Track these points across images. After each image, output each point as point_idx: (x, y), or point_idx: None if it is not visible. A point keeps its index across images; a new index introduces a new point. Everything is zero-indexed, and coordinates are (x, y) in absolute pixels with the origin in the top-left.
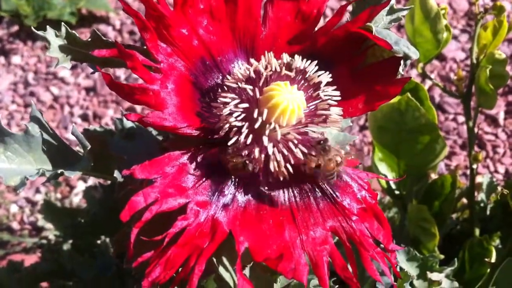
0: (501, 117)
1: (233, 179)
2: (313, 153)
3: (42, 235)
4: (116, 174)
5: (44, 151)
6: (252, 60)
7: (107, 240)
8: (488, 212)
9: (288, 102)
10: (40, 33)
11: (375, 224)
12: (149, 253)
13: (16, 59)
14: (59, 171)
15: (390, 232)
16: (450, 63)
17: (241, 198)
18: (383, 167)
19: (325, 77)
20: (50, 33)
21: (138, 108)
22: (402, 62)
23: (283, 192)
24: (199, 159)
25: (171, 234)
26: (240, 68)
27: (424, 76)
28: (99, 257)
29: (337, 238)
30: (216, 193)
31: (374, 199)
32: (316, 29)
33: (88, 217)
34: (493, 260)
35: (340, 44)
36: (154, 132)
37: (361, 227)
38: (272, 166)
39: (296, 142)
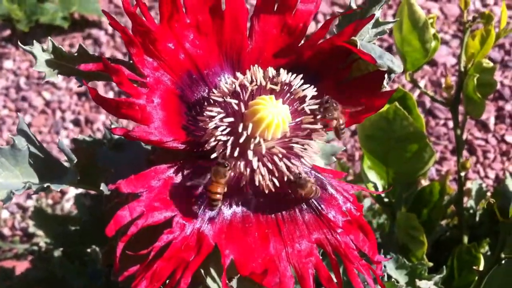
0: (491, 122)
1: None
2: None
3: (33, 241)
4: (103, 187)
5: (31, 164)
6: (238, 74)
7: (97, 249)
8: (477, 219)
9: (273, 116)
10: (26, 48)
11: (361, 236)
12: (135, 267)
13: (8, 64)
14: (45, 185)
15: (376, 243)
16: (441, 68)
17: (227, 211)
18: (372, 175)
19: (310, 91)
20: (36, 47)
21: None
22: (386, 75)
23: (269, 205)
24: (185, 172)
25: (156, 248)
26: (226, 82)
27: (414, 84)
28: (89, 265)
29: (322, 250)
30: (202, 206)
31: (359, 211)
32: (302, 42)
33: (78, 225)
34: (481, 267)
35: (326, 57)
36: (142, 143)
37: (346, 239)
38: (257, 179)
39: (280, 156)
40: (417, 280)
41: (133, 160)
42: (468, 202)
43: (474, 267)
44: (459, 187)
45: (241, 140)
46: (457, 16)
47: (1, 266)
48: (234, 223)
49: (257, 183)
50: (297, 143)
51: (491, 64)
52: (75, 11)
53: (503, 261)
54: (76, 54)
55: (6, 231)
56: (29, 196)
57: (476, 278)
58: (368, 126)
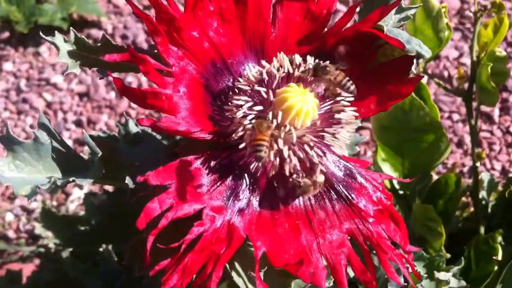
0: (496, 114)
1: (247, 183)
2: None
3: (39, 243)
4: (128, 180)
5: (54, 159)
6: (263, 62)
7: (110, 247)
8: (489, 210)
9: (302, 103)
10: (48, 38)
11: (392, 226)
12: (166, 261)
13: (7, 66)
14: (70, 179)
15: (407, 233)
16: (443, 62)
17: (256, 202)
18: (386, 167)
19: (338, 76)
20: (58, 38)
21: (133, 112)
22: (414, 60)
23: (298, 194)
24: (212, 163)
25: (187, 240)
26: (251, 70)
27: (426, 74)
28: (102, 265)
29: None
30: (231, 198)
31: (389, 200)
32: (325, 29)
33: (90, 225)
34: (499, 258)
35: (350, 44)
36: (158, 137)
37: (378, 229)
38: (287, 169)
39: (312, 144)
40: (435, 272)
41: (153, 154)
42: (480, 194)
43: (494, 257)
44: (474, 177)
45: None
46: (458, 9)
47: (7, 269)
48: (264, 215)
49: (287, 173)
50: (327, 132)
51: (504, 53)
52: (74, 12)
53: None
54: (99, 44)
55: (11, 234)
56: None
57: (495, 268)
58: (384, 117)
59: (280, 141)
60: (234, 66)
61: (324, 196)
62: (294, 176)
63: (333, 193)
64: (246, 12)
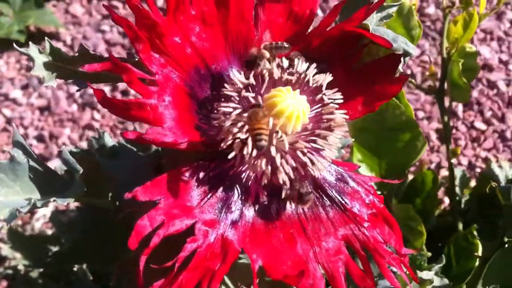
0: (459, 110)
1: (239, 193)
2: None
3: (7, 265)
4: (111, 197)
5: (31, 179)
6: (246, 69)
7: (84, 266)
8: (463, 206)
9: (293, 108)
10: (22, 50)
11: (386, 229)
12: (159, 282)
13: None
14: (51, 199)
15: (401, 235)
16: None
17: (248, 213)
18: (362, 169)
19: (326, 79)
20: (33, 49)
21: (96, 124)
22: (402, 59)
23: (290, 204)
24: (201, 175)
25: (181, 258)
26: (237, 75)
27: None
28: (76, 285)
29: None
30: (224, 210)
31: (381, 202)
32: (309, 30)
33: (61, 244)
34: (479, 253)
35: (334, 44)
36: (134, 149)
37: (374, 233)
38: (281, 178)
39: (305, 150)
40: (418, 271)
41: (134, 168)
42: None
43: (476, 253)
44: (450, 174)
45: (263, 136)
46: (418, 7)
47: None
48: (257, 226)
49: (281, 181)
50: (319, 135)
51: (474, 49)
52: (31, 24)
53: (506, 245)
54: (77, 54)
55: None
56: None
57: (476, 264)
58: (360, 119)
59: (272, 149)
60: (218, 71)
61: (317, 203)
62: (287, 184)
63: (326, 199)
64: (228, 15)
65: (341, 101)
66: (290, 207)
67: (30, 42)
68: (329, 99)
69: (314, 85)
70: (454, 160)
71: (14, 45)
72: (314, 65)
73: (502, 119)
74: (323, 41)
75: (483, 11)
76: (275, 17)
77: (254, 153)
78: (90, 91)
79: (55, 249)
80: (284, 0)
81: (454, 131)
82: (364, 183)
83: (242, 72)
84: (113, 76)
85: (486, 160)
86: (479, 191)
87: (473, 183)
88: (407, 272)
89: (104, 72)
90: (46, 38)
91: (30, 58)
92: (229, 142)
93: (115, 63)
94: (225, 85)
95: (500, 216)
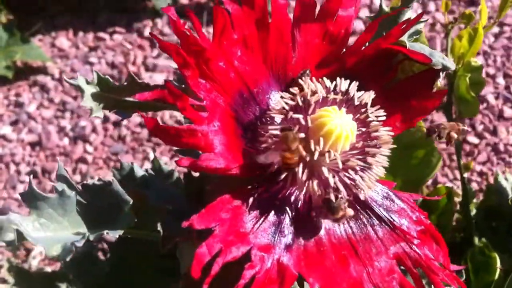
0: None
1: (290, 216)
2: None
3: None
4: (160, 228)
5: (78, 213)
6: (293, 89)
7: None
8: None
9: (341, 127)
10: (71, 81)
11: (434, 246)
12: None
13: None
14: (105, 232)
15: (447, 252)
16: None
17: (300, 236)
18: None
19: (369, 97)
20: (81, 80)
21: (89, 158)
22: (441, 73)
23: (339, 225)
24: (251, 200)
25: (241, 286)
26: (282, 97)
27: None
28: None
29: None
30: (277, 234)
31: (427, 219)
32: (344, 49)
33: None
34: (498, 266)
35: (369, 62)
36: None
37: (424, 250)
38: (333, 198)
39: (358, 168)
40: None
41: (174, 197)
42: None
43: (497, 266)
44: (463, 189)
45: (315, 157)
46: None
47: None
48: (309, 249)
49: (334, 201)
50: (368, 153)
51: (479, 63)
52: (18, 59)
53: None
54: (125, 83)
55: None
56: None
57: (495, 277)
58: None
59: (324, 169)
60: (260, 95)
61: (366, 223)
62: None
63: (374, 218)
64: (268, 38)
65: (384, 118)
66: (338, 227)
67: (78, 73)
68: (374, 116)
69: (358, 103)
70: (450, 175)
71: (65, 77)
72: (355, 83)
73: (494, 132)
74: (358, 60)
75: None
76: (311, 37)
77: (305, 175)
78: (82, 123)
79: (63, 286)
80: (319, 20)
81: (447, 146)
82: (408, 200)
83: (287, 94)
84: (158, 105)
85: (481, 174)
86: (486, 204)
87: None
88: None
89: (151, 101)
90: (93, 69)
91: (80, 90)
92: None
93: (171, 91)
94: (270, 107)
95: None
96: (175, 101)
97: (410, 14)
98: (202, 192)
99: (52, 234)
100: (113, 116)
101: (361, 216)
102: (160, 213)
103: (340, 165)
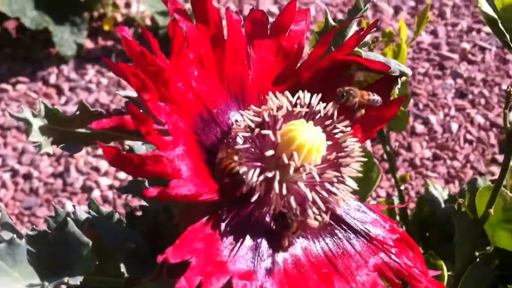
0: (368, 145)
1: (266, 238)
2: None
3: None
4: (123, 269)
5: (29, 261)
6: (253, 107)
7: None
8: (404, 228)
9: (312, 140)
10: (16, 114)
11: (410, 254)
12: None
13: None
14: (65, 279)
15: (423, 258)
16: None
17: (278, 259)
18: None
19: (333, 108)
20: (27, 113)
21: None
22: (399, 80)
23: (314, 242)
24: (222, 226)
25: None
26: (244, 115)
27: None
28: None
29: None
30: (256, 259)
31: (399, 227)
32: (298, 64)
33: None
34: (445, 273)
35: (323, 76)
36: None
37: (403, 259)
38: (311, 213)
39: (335, 180)
40: None
41: (128, 237)
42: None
43: (449, 273)
44: (401, 200)
45: (290, 172)
46: None
47: None
48: (289, 271)
49: (312, 218)
50: (341, 165)
51: (404, 77)
52: None
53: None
54: (77, 112)
55: None
56: None
57: (445, 283)
58: None
59: (301, 184)
60: (220, 116)
61: (342, 237)
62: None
63: (349, 231)
64: (224, 56)
65: (349, 128)
66: (314, 245)
67: (22, 106)
68: (342, 127)
69: (323, 115)
70: (373, 193)
71: (9, 110)
72: (317, 95)
73: (408, 148)
74: (313, 74)
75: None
76: (265, 54)
77: (284, 190)
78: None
79: None
80: (272, 36)
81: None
82: (378, 210)
83: (250, 111)
84: (110, 135)
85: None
86: (419, 215)
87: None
88: None
89: (103, 131)
90: (40, 99)
91: (27, 123)
92: (253, 185)
93: (135, 114)
94: (233, 127)
95: (440, 237)
96: (139, 125)
97: (354, 28)
98: (158, 227)
99: None
100: (22, 169)
101: (336, 231)
102: (119, 253)
103: (318, 179)
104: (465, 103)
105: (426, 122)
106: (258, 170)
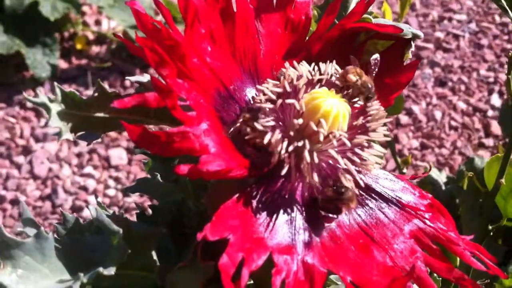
0: None
1: (300, 212)
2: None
3: None
4: (155, 257)
5: (58, 256)
6: (270, 80)
7: None
8: None
9: (337, 107)
10: (33, 99)
11: (442, 219)
12: None
13: None
14: (100, 270)
15: (454, 223)
16: None
17: (315, 232)
18: None
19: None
20: (43, 98)
21: None
22: (412, 43)
23: (346, 214)
24: (254, 202)
25: None
26: (269, 86)
27: None
28: None
29: None
30: (293, 233)
31: (428, 193)
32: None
33: None
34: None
35: (333, 47)
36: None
37: (437, 224)
38: (344, 180)
39: (366, 144)
40: None
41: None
42: None
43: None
44: None
45: (321, 138)
46: None
47: None
48: (327, 244)
49: (346, 184)
50: (368, 129)
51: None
52: None
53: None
54: (95, 94)
55: None
56: None
57: None
58: None
59: (332, 152)
60: (237, 92)
61: (373, 207)
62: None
63: (380, 200)
64: (234, 30)
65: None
66: (347, 218)
67: (38, 90)
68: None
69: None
70: None
71: (24, 94)
72: (333, 64)
73: (395, 140)
74: (323, 46)
75: None
76: (273, 28)
77: (316, 159)
78: None
79: None
80: (279, 9)
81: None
82: (404, 178)
83: (270, 81)
84: (131, 119)
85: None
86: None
87: None
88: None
89: (122, 115)
90: (55, 83)
91: (45, 108)
92: (284, 156)
93: (159, 87)
94: (256, 96)
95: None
96: (165, 98)
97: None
98: (183, 216)
99: (33, 287)
100: (9, 194)
101: (367, 202)
102: (149, 242)
103: (348, 144)
104: (445, 90)
105: (409, 112)
106: (286, 142)
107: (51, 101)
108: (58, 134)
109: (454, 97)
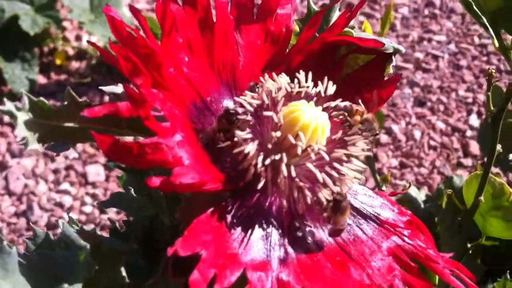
0: None
1: (276, 227)
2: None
3: None
4: (125, 274)
5: (21, 272)
6: (248, 92)
7: None
8: None
9: (316, 120)
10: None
11: (422, 236)
12: None
13: None
14: (65, 286)
15: (433, 240)
16: None
17: (290, 248)
18: None
19: (331, 88)
20: (10, 105)
21: None
22: (393, 57)
23: (323, 231)
24: (229, 217)
25: None
26: (247, 96)
27: None
28: None
29: None
30: (268, 249)
31: (407, 210)
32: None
33: None
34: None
35: (313, 60)
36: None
37: (416, 241)
38: (323, 197)
39: (345, 159)
40: None
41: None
42: None
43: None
44: None
45: (298, 152)
46: None
47: None
48: (303, 260)
49: (324, 201)
50: (347, 143)
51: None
52: None
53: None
54: (65, 103)
55: None
56: None
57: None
58: None
59: (310, 166)
60: (214, 104)
61: (351, 223)
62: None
63: (359, 216)
64: (213, 41)
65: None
66: (324, 234)
67: (5, 99)
68: (344, 106)
69: (323, 96)
70: None
71: None
72: (310, 75)
73: (375, 159)
74: (304, 58)
75: None
76: (253, 39)
77: (293, 172)
78: None
79: None
80: (259, 21)
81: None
82: (383, 194)
83: (248, 93)
84: (102, 130)
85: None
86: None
87: None
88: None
89: (93, 125)
90: (23, 91)
91: (12, 116)
92: (252, 172)
93: (133, 97)
94: (231, 112)
95: None
96: (138, 108)
97: (337, 13)
98: (154, 232)
99: None
100: None
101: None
102: (118, 257)
103: (327, 157)
104: (424, 110)
105: (389, 132)
106: (262, 155)
107: (18, 109)
108: (25, 144)
109: (433, 117)
